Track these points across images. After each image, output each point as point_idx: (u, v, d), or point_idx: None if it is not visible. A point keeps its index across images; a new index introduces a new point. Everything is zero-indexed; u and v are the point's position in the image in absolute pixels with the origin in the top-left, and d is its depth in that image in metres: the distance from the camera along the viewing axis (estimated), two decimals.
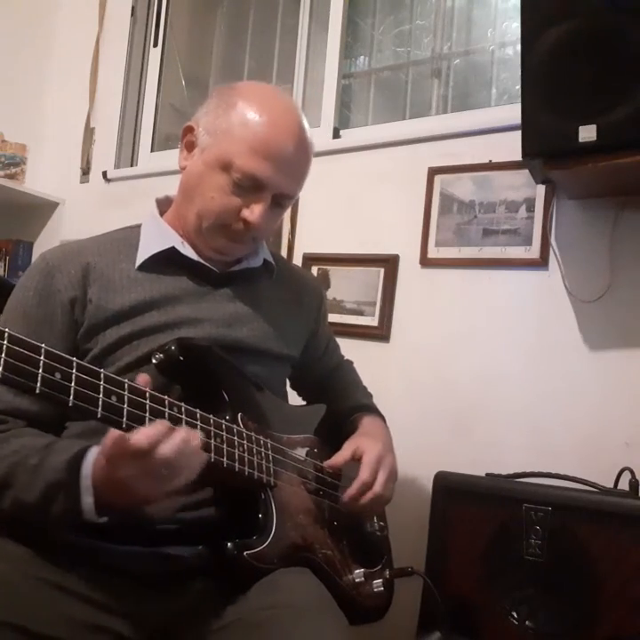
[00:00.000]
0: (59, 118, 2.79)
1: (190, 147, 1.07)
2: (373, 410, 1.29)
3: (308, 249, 1.98)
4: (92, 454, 0.85)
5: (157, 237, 1.07)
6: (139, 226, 1.11)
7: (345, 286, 1.90)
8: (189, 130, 1.07)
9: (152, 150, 2.69)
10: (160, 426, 0.78)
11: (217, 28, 2.75)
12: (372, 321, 1.84)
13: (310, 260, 1.97)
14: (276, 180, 1.01)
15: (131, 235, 1.09)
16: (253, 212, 1.01)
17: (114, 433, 0.77)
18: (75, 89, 2.73)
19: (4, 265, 2.60)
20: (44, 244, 2.61)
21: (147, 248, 1.06)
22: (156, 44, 2.71)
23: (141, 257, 1.05)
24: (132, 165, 2.68)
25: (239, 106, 1.01)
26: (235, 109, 1.01)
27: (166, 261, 1.06)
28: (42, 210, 2.66)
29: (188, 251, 1.07)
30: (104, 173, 2.60)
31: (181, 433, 0.80)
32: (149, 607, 0.91)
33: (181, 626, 0.91)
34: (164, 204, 1.15)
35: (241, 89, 1.05)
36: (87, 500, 0.83)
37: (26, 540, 0.91)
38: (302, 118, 1.05)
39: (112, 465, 0.79)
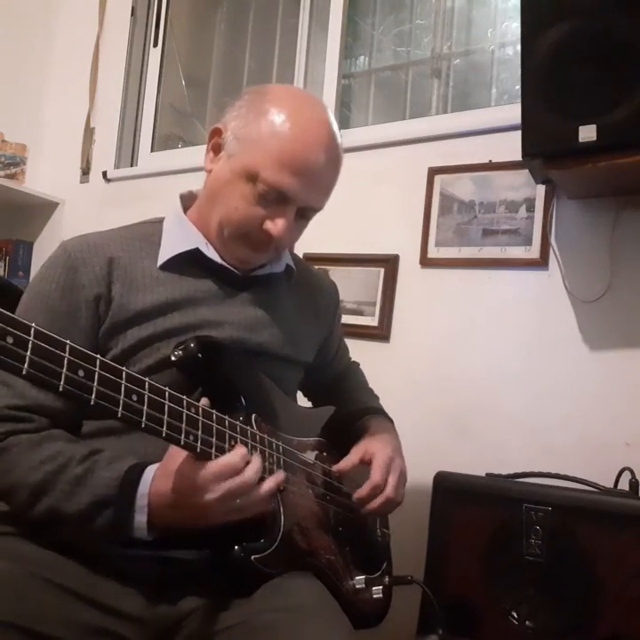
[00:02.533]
0: (59, 118, 2.78)
1: (217, 149, 1.03)
2: (382, 413, 1.28)
3: (308, 249, 1.98)
4: (150, 473, 0.86)
5: (181, 237, 1.04)
6: (161, 221, 1.08)
7: (345, 286, 1.88)
8: (217, 132, 1.03)
9: (152, 150, 2.69)
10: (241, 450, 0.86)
11: (217, 27, 2.75)
12: (372, 321, 1.84)
13: (310, 259, 1.96)
14: (302, 194, 0.98)
15: (153, 230, 1.06)
16: (277, 225, 0.98)
17: (216, 464, 0.82)
18: (75, 89, 2.73)
19: (4, 265, 2.60)
20: (44, 244, 2.62)
21: (170, 247, 1.03)
22: (156, 44, 2.71)
23: (164, 256, 1.02)
24: (132, 165, 2.68)
25: (270, 114, 0.97)
26: (265, 117, 0.97)
27: (189, 262, 1.03)
28: (42, 210, 2.66)
29: (211, 253, 1.04)
30: (104, 173, 2.60)
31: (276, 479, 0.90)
32: (154, 610, 0.91)
33: (186, 629, 0.91)
34: (187, 200, 1.11)
35: (273, 95, 1.00)
36: (140, 519, 0.85)
37: (37, 541, 0.91)
38: (334, 128, 1.01)
39: (199, 488, 0.82)
